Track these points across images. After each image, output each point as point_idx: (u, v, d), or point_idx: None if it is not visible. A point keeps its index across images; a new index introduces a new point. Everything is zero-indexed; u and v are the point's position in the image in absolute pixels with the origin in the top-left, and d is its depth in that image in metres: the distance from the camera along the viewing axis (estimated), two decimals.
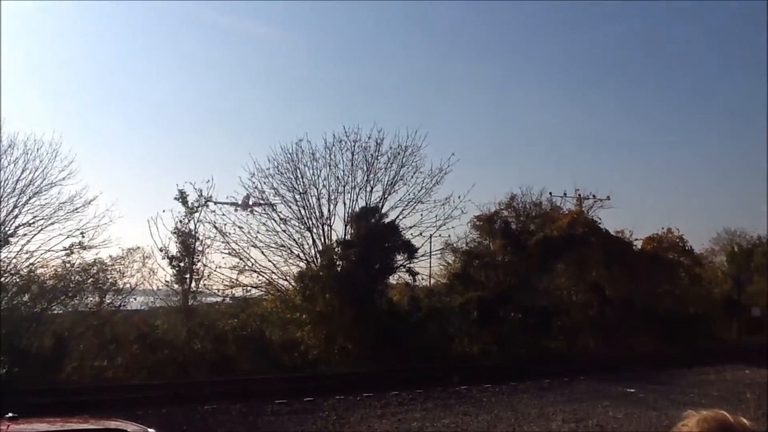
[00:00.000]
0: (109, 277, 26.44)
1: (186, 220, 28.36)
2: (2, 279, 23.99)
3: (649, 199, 75.48)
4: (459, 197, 30.32)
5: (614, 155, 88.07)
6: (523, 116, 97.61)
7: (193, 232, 28.40)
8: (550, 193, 41.49)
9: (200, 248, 28.60)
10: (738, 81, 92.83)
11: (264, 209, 29.51)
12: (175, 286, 28.54)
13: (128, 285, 27.15)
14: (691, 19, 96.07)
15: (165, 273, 28.16)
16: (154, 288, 28.77)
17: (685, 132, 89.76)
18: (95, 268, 26.03)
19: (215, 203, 30.08)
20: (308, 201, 29.37)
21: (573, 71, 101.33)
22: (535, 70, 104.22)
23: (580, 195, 43.21)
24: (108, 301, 26.38)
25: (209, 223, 28.68)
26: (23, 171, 25.78)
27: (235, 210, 30.56)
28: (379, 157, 29.76)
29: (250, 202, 30.30)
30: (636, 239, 38.77)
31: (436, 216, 30.14)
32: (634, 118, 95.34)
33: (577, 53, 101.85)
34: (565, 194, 43.33)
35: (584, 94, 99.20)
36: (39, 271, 24.99)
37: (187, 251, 28.29)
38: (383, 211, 29.43)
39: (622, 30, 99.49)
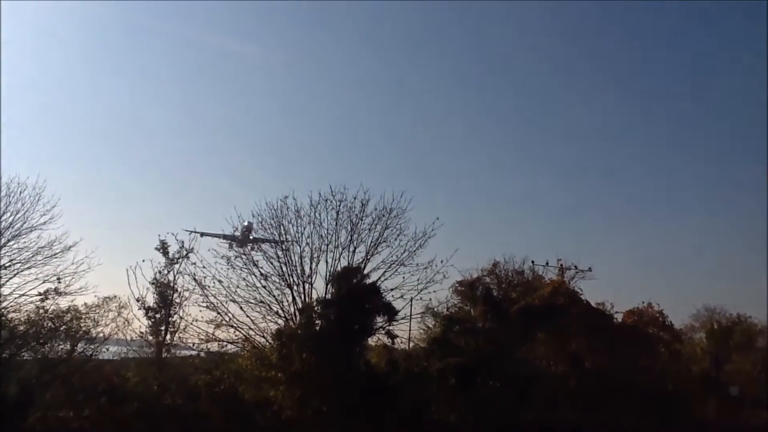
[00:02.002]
0: (82, 325, 25.97)
1: (165, 271, 28.12)
2: None
3: (631, 272, 76.09)
4: (441, 261, 30.11)
5: (597, 228, 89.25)
6: (509, 186, 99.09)
7: (171, 284, 28.10)
8: (533, 262, 41.62)
9: (178, 300, 28.27)
10: (723, 158, 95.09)
11: (245, 264, 29.10)
12: (150, 338, 28.07)
13: (101, 334, 26.65)
14: (674, 97, 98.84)
15: (140, 324, 27.75)
16: (128, 338, 28.25)
17: (668, 208, 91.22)
18: (69, 315, 25.57)
19: (203, 235, 29.42)
20: (290, 258, 29.12)
21: (559, 145, 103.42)
22: (523, 143, 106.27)
23: (562, 265, 43.46)
24: (79, 350, 25.83)
25: (189, 275, 28.36)
26: (4, 213, 25.60)
27: (230, 247, 29.81)
28: (363, 218, 29.69)
29: (251, 236, 29.36)
30: (616, 312, 38.82)
31: (418, 279, 29.84)
32: (618, 193, 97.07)
33: (565, 127, 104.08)
34: (547, 264, 43.53)
35: (569, 170, 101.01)
36: (11, 315, 24.53)
37: (164, 302, 27.92)
38: (365, 271, 29.18)
39: (603, 106, 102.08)
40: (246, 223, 29.74)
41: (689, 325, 51.67)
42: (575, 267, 44.06)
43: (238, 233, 30.70)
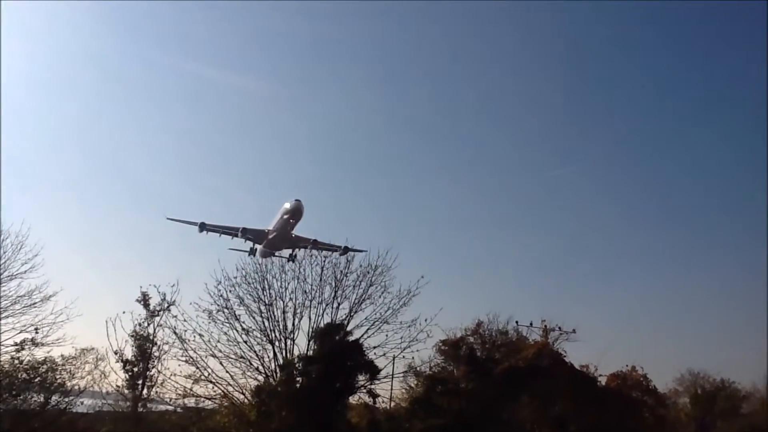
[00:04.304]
0: (57, 377, 25.48)
1: (145, 324, 27.68)
2: None
3: (615, 334, 76.05)
4: (426, 320, 29.81)
5: (581, 290, 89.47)
6: (494, 248, 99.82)
7: (151, 337, 27.63)
8: (517, 322, 41.42)
9: (157, 353, 27.77)
10: (713, 218, 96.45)
11: (227, 318, 28.65)
12: (126, 392, 27.48)
13: (77, 387, 26.14)
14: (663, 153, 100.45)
15: (117, 377, 27.20)
16: (104, 391, 27.66)
17: (652, 272, 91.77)
18: (45, 366, 25.12)
19: (204, 229, 27.26)
20: (273, 313, 28.80)
21: (544, 207, 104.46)
22: (507, 203, 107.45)
23: (546, 326, 43.26)
24: (53, 403, 25.27)
25: (169, 328, 27.90)
26: None
27: (250, 253, 28.01)
28: (348, 275, 29.56)
29: (293, 234, 25.71)
30: (600, 375, 38.52)
31: (401, 337, 29.48)
32: (601, 256, 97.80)
33: (550, 189, 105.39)
34: (531, 324, 43.36)
35: (553, 232, 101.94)
36: None
37: (142, 356, 27.41)
38: (348, 328, 28.87)
39: (593, 171, 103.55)
40: (290, 205, 26.42)
41: (673, 389, 51.54)
42: (559, 328, 43.89)
43: (270, 228, 28.44)
